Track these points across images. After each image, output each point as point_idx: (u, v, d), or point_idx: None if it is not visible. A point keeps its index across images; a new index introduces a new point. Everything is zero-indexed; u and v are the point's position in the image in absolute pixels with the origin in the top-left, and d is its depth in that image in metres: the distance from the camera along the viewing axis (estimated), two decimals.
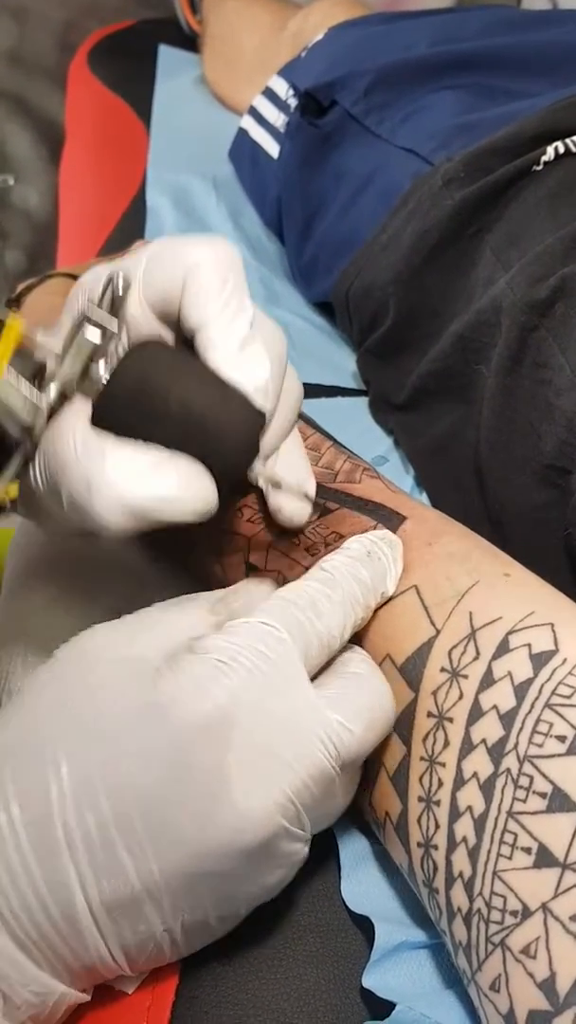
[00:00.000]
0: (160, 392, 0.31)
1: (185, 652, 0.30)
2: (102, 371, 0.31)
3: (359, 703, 0.31)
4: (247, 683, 0.29)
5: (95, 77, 1.04)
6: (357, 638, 0.35)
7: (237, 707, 0.29)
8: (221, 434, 0.32)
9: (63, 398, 0.31)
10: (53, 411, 0.31)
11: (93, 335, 0.30)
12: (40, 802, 0.28)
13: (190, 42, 1.08)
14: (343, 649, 0.33)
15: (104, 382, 0.31)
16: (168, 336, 0.34)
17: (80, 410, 0.32)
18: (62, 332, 0.32)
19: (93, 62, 1.06)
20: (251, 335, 0.32)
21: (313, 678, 0.31)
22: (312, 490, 0.36)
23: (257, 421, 0.33)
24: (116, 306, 0.31)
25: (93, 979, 0.31)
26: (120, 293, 0.30)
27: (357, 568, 0.34)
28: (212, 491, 0.32)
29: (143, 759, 0.28)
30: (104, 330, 0.30)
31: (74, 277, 0.66)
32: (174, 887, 0.28)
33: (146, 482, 0.31)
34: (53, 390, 0.31)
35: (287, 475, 0.35)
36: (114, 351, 0.31)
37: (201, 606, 0.34)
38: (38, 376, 0.31)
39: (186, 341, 0.34)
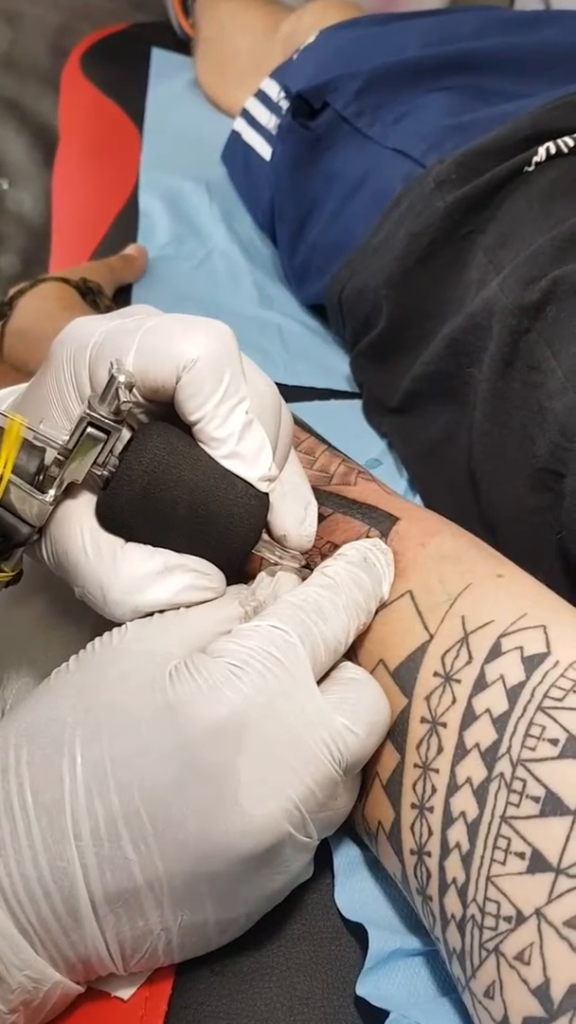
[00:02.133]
0: (166, 495, 0.32)
1: (200, 654, 0.31)
2: (104, 465, 0.32)
3: (361, 707, 0.31)
4: (259, 686, 0.29)
5: (88, 81, 1.04)
6: (351, 644, 0.35)
7: (249, 710, 0.29)
8: (229, 529, 0.33)
9: (66, 489, 0.32)
10: (58, 502, 0.32)
11: (97, 435, 0.32)
12: (53, 789, 0.29)
13: (183, 45, 1.08)
14: None
15: (108, 474, 0.32)
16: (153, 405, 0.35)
17: (85, 503, 0.33)
18: (48, 400, 0.33)
19: (86, 66, 1.06)
20: (247, 421, 0.33)
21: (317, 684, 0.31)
22: (312, 529, 0.36)
23: (262, 508, 0.34)
24: (118, 406, 0.31)
25: (88, 973, 0.31)
26: (124, 399, 0.31)
27: (357, 573, 0.34)
28: (220, 585, 0.34)
29: (155, 758, 0.29)
30: (108, 432, 0.32)
31: (66, 281, 0.66)
32: (176, 885, 0.29)
33: (156, 589, 0.32)
34: (58, 488, 0.32)
35: (286, 522, 0.36)
36: (114, 442, 0.32)
37: (230, 600, 0.34)
38: (40, 468, 0.32)
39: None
